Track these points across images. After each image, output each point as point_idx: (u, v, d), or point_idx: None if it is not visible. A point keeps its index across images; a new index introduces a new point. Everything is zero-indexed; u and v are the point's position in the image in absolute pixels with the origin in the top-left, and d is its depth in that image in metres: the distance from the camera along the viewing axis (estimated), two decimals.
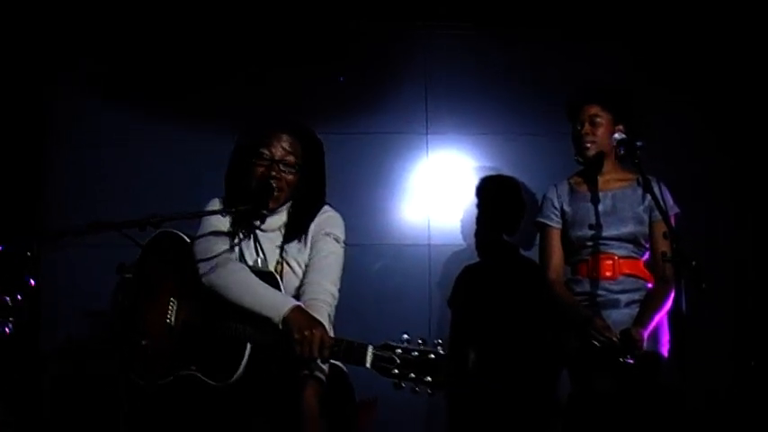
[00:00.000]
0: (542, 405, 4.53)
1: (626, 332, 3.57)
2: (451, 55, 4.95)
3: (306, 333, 2.80)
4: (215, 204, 3.23)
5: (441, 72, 4.92)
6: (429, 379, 2.63)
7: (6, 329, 3.50)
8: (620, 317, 3.69)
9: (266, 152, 3.14)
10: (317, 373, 2.98)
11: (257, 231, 3.19)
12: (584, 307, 3.74)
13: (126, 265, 3.64)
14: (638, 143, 3.49)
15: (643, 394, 3.59)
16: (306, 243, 3.19)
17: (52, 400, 4.53)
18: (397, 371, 2.65)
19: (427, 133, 4.91)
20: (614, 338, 3.55)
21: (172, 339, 3.10)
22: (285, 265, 3.16)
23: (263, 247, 3.18)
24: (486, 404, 4.54)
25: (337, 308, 3.14)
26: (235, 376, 2.91)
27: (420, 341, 2.68)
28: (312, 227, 3.20)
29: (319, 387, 2.96)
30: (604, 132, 3.74)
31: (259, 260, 3.16)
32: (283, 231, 3.20)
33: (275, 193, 3.12)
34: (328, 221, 3.21)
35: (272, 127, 3.19)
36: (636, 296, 3.74)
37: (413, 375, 2.63)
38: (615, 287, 3.74)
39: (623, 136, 3.59)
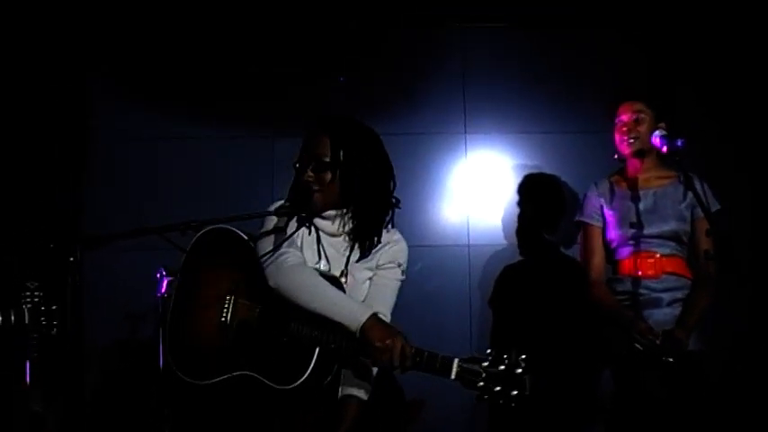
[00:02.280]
0: (585, 404, 4.50)
1: (669, 333, 3.54)
2: (489, 53, 4.93)
3: (387, 342, 2.79)
4: (278, 205, 3.14)
5: (478, 71, 4.91)
6: (515, 393, 2.70)
7: (51, 329, 3.57)
8: (662, 316, 3.66)
9: (302, 153, 3.11)
10: (360, 394, 3.00)
11: (322, 235, 3.13)
12: (625, 308, 3.72)
13: (168, 268, 3.69)
14: (680, 141, 3.45)
15: (689, 394, 3.56)
16: (373, 261, 3.14)
17: (94, 398, 4.59)
18: (482, 383, 2.70)
19: (466, 133, 4.89)
20: (657, 341, 3.53)
21: (226, 339, 3.04)
22: (350, 276, 3.10)
23: (327, 252, 3.14)
24: (529, 403, 4.52)
25: None
26: (300, 380, 2.87)
27: (505, 356, 2.72)
28: (385, 250, 3.15)
29: (358, 411, 3.00)
30: (647, 129, 3.71)
31: (321, 264, 3.12)
32: (349, 239, 3.14)
33: (316, 190, 3.06)
34: (401, 252, 3.17)
35: (311, 127, 3.14)
36: (678, 294, 3.71)
37: (498, 389, 2.69)
38: (657, 286, 3.71)
39: (665, 133, 3.55)
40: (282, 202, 3.15)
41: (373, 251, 3.13)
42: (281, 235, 3.06)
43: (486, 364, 2.71)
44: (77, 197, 4.73)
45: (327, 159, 3.06)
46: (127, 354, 4.59)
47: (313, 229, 3.13)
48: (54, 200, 4.60)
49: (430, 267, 4.77)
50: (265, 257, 3.01)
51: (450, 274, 4.81)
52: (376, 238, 3.13)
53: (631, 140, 3.75)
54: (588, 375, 4.48)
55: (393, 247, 3.16)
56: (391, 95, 4.90)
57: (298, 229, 3.08)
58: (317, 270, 3.06)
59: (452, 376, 2.74)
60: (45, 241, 2.80)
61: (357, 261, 3.12)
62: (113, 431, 4.59)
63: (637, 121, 3.76)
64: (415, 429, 3.75)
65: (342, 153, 3.07)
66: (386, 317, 3.06)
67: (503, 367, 2.70)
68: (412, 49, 4.94)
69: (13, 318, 3.63)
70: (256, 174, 4.69)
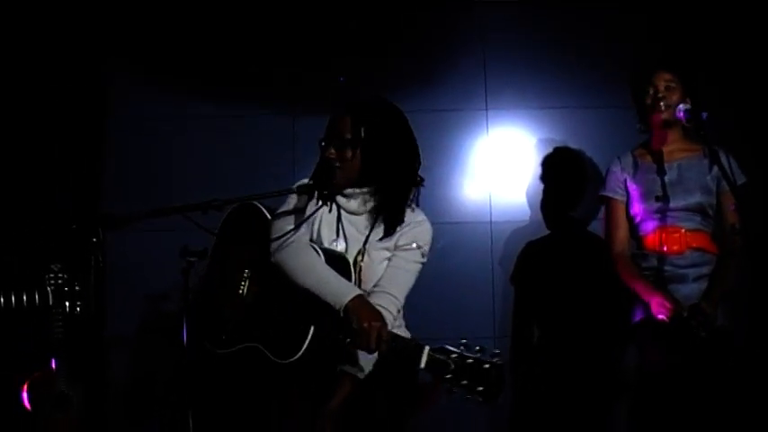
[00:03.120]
0: (608, 380, 4.49)
1: (696, 307, 3.52)
2: (509, 28, 4.89)
3: (365, 325, 2.81)
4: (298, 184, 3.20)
5: (499, 46, 4.86)
6: (481, 388, 2.63)
7: (75, 309, 3.60)
8: (688, 291, 3.64)
9: (327, 132, 3.13)
10: (354, 372, 3.01)
11: (343, 213, 3.15)
12: (650, 281, 3.69)
13: (189, 248, 3.70)
14: (704, 114, 3.42)
15: (715, 369, 3.53)
16: (392, 241, 3.14)
17: (117, 378, 4.62)
18: (450, 375, 2.65)
19: (487, 109, 4.85)
20: (684, 313, 3.50)
21: (242, 310, 3.13)
22: (367, 256, 3.11)
23: (347, 231, 3.15)
24: (553, 380, 4.52)
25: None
26: (296, 356, 2.91)
27: (477, 348, 2.68)
28: (406, 231, 3.14)
29: (350, 387, 3.01)
30: (677, 100, 3.65)
31: (339, 243, 3.14)
32: (372, 217, 3.15)
33: (336, 172, 3.07)
34: (423, 234, 3.17)
35: (334, 109, 3.18)
36: (704, 270, 3.68)
37: (465, 382, 2.64)
38: (682, 262, 3.67)
39: (689, 107, 3.51)
40: (306, 180, 3.17)
41: (395, 231, 3.13)
42: (299, 215, 3.13)
43: (455, 356, 2.66)
44: (98, 179, 4.74)
45: (348, 136, 3.08)
46: (149, 333, 4.62)
47: (334, 206, 3.14)
48: (75, 182, 4.61)
49: (452, 244, 4.75)
50: (274, 239, 3.06)
51: (472, 250, 4.78)
52: (400, 217, 3.13)
53: (663, 107, 3.70)
54: (612, 351, 4.46)
55: (415, 228, 3.16)
56: (411, 73, 4.87)
57: (319, 207, 3.11)
58: (325, 249, 3.10)
59: (422, 365, 2.72)
60: (67, 223, 2.80)
61: (379, 240, 3.12)
62: (137, 410, 4.63)
63: (668, 89, 3.71)
64: (431, 416, 3.73)
65: (363, 130, 3.08)
66: (397, 300, 3.08)
67: (471, 361, 2.65)
68: (432, 27, 4.90)
69: (37, 298, 3.66)
70: (277, 152, 4.69)
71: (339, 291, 2.93)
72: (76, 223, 2.82)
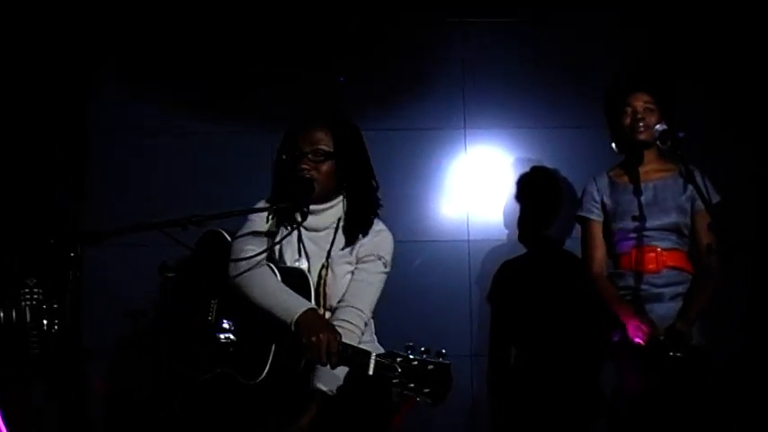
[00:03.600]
0: (586, 399, 4.50)
1: (672, 328, 3.53)
2: (489, 49, 4.91)
3: (313, 338, 2.80)
4: (260, 205, 3.20)
5: (477, 66, 4.88)
6: (427, 390, 2.63)
7: (52, 326, 3.57)
8: (664, 311, 3.65)
9: (296, 148, 3.12)
10: (326, 389, 2.98)
11: (303, 232, 3.16)
12: (628, 302, 3.71)
13: (168, 264, 3.69)
14: (681, 134, 3.44)
15: (691, 389, 3.55)
16: (353, 254, 3.16)
17: (94, 395, 4.59)
18: (397, 380, 2.65)
19: (465, 128, 4.88)
20: (660, 336, 3.52)
21: (211, 337, 3.12)
22: (330, 270, 3.12)
23: (308, 249, 3.16)
24: (530, 399, 4.53)
25: (377, 306, 3.15)
26: (262, 375, 2.92)
27: (423, 349, 2.67)
28: (365, 242, 3.16)
29: (321, 405, 2.98)
30: (655, 122, 3.67)
31: (302, 262, 3.15)
32: (334, 233, 3.16)
33: (313, 186, 3.08)
34: (383, 243, 3.18)
35: (302, 122, 3.18)
36: (680, 289, 3.69)
37: (412, 386, 2.64)
38: (658, 281, 3.69)
39: (665, 127, 3.54)
40: (264, 202, 3.20)
41: (356, 241, 3.15)
42: (259, 236, 3.14)
43: (400, 359, 2.66)
44: (77, 194, 4.72)
45: (326, 149, 3.10)
46: (127, 350, 4.59)
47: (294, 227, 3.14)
48: (54, 196, 4.59)
49: (429, 263, 4.77)
50: (233, 262, 3.06)
51: (449, 269, 4.80)
52: (367, 228, 3.16)
53: (642, 129, 3.72)
54: (590, 371, 4.48)
55: (375, 238, 3.18)
56: (390, 91, 4.90)
57: (297, 226, 3.11)
58: (283, 267, 3.11)
59: (370, 371, 2.71)
60: (45, 237, 2.78)
61: (341, 249, 3.14)
62: (114, 428, 4.60)
63: (646, 111, 3.74)
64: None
65: (340, 142, 3.13)
66: (363, 314, 3.08)
67: (416, 363, 2.64)
68: (411, 45, 4.92)
69: (14, 315, 3.63)
70: (257, 169, 4.68)
71: (289, 306, 2.92)
72: (54, 238, 2.81)
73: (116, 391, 4.64)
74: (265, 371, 2.92)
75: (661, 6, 4.82)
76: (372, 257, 3.14)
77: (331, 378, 2.99)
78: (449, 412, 4.39)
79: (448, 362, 2.66)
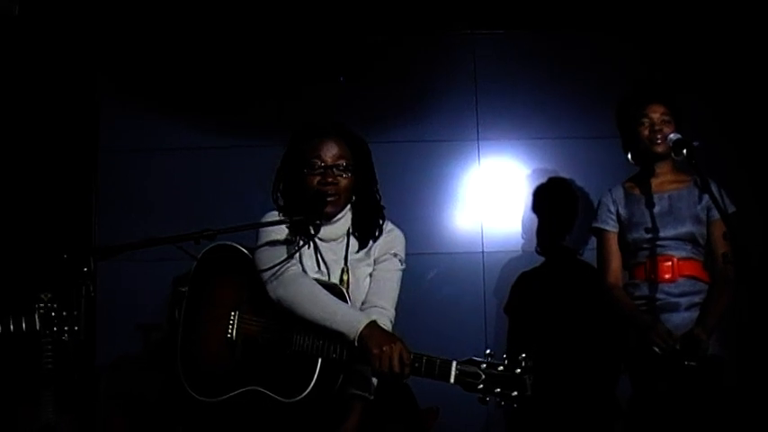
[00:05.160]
0: (603, 409, 4.48)
1: (689, 334, 3.52)
2: (500, 59, 4.93)
3: (385, 348, 2.78)
4: (273, 217, 3.16)
5: (490, 77, 4.90)
6: (515, 393, 2.69)
7: (63, 337, 3.57)
8: (680, 320, 3.63)
9: (318, 161, 3.10)
10: (364, 393, 3.00)
11: (319, 242, 3.14)
12: (643, 312, 3.69)
13: (181, 278, 3.68)
14: (696, 143, 3.43)
15: (706, 397, 3.53)
16: (370, 256, 3.16)
17: (106, 410, 4.58)
18: (482, 386, 2.70)
19: (479, 139, 4.88)
20: (676, 345, 3.50)
21: (233, 355, 3.07)
22: (350, 275, 3.11)
23: (326, 258, 3.14)
24: (547, 408, 4.50)
25: (395, 319, 3.14)
26: (305, 392, 2.88)
27: (504, 356, 2.73)
28: (380, 242, 3.17)
29: (362, 409, 3.00)
30: (669, 133, 3.66)
31: (322, 272, 3.13)
32: (347, 239, 3.17)
33: (331, 199, 3.08)
34: (396, 241, 3.20)
35: (319, 134, 3.15)
36: (696, 299, 3.67)
37: (498, 390, 2.69)
38: (674, 290, 3.67)
39: (679, 136, 3.53)
40: (276, 212, 3.17)
41: (369, 244, 3.16)
42: (281, 247, 3.08)
43: (484, 366, 2.71)
44: (90, 208, 4.74)
45: (344, 163, 3.11)
46: (139, 365, 4.58)
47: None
48: (67, 211, 4.60)
49: (444, 275, 4.77)
50: (266, 271, 3.02)
51: (464, 281, 4.80)
52: (378, 233, 3.17)
53: (659, 140, 3.70)
54: (606, 380, 4.45)
55: (386, 237, 3.19)
56: (403, 103, 4.91)
57: (312, 238, 3.09)
58: (318, 280, 3.06)
59: (452, 380, 2.73)
60: (58, 252, 2.78)
61: (356, 252, 3.15)
62: None
63: (662, 122, 3.73)
64: None
65: (358, 155, 3.15)
66: (388, 311, 3.09)
67: (501, 368, 2.70)
68: (423, 57, 4.94)
69: (24, 324, 3.63)
70: (263, 182, 4.69)
71: (351, 320, 2.88)
72: (67, 253, 2.81)
73: (128, 406, 4.62)
74: (310, 386, 2.88)
75: (676, 16, 4.80)
76: (388, 256, 3.16)
77: (368, 384, 3.01)
78: (466, 423, 4.42)
79: (532, 363, 2.72)
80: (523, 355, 2.72)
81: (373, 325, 2.87)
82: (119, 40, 4.84)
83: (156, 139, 4.86)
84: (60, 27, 4.70)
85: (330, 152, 3.11)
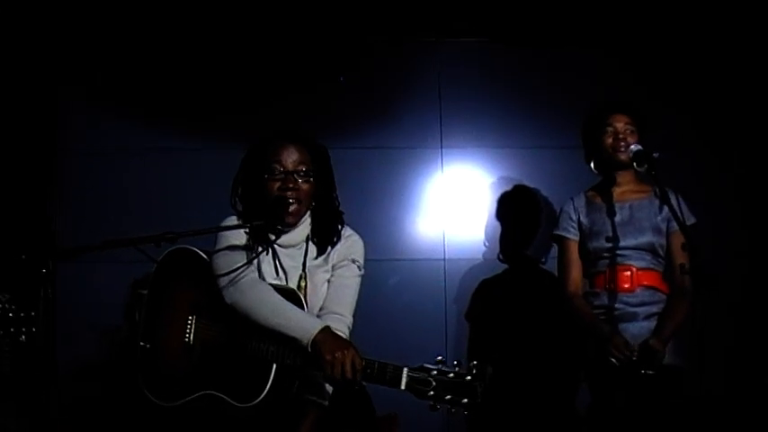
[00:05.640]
0: (562, 417, 4.50)
1: (645, 344, 3.55)
2: (466, 68, 4.95)
3: (337, 354, 2.78)
4: (231, 222, 3.17)
5: (455, 85, 4.92)
6: (466, 401, 2.69)
7: (21, 338, 3.52)
8: (637, 330, 3.66)
9: (278, 166, 3.10)
10: (319, 399, 3.01)
11: (278, 248, 3.14)
12: (602, 322, 3.71)
13: (141, 280, 3.65)
14: (656, 154, 3.47)
15: (665, 407, 3.56)
16: (329, 262, 3.17)
17: (65, 414, 4.53)
18: (432, 393, 2.69)
19: (442, 147, 4.89)
20: (633, 357, 3.53)
21: (190, 359, 3.07)
22: (308, 281, 3.12)
23: (284, 264, 3.14)
24: (507, 417, 4.52)
25: (352, 325, 3.13)
26: (260, 397, 2.88)
27: (456, 363, 2.74)
28: (338, 248, 3.18)
29: (317, 415, 3.01)
30: (633, 143, 3.69)
31: (280, 278, 3.13)
32: (306, 246, 3.17)
33: (293, 207, 3.08)
34: (354, 247, 3.20)
35: (280, 140, 3.15)
36: (654, 309, 3.71)
37: (449, 397, 2.68)
38: (633, 300, 3.70)
39: (640, 147, 3.56)
40: (235, 218, 3.18)
41: (328, 250, 3.17)
42: (239, 253, 3.08)
43: (435, 372, 2.71)
44: (50, 209, 4.68)
45: (311, 169, 3.12)
46: (100, 368, 4.54)
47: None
48: (26, 212, 4.55)
49: (406, 281, 4.78)
50: (223, 276, 3.01)
51: (425, 288, 4.81)
52: (336, 238, 3.18)
53: (623, 148, 3.73)
54: (566, 389, 4.48)
55: (345, 243, 3.20)
56: (368, 110, 4.91)
57: (272, 243, 3.11)
58: (275, 285, 3.06)
59: (402, 386, 2.74)
60: (17, 253, 2.75)
61: (315, 258, 3.15)
62: None
63: (628, 132, 3.76)
64: None
65: (318, 161, 3.16)
66: (346, 318, 3.09)
67: (452, 375, 2.71)
68: (388, 64, 4.94)
69: None
70: (226, 186, 4.68)
71: (305, 325, 2.89)
72: (26, 254, 2.78)
73: (87, 408, 4.58)
74: (265, 391, 2.88)
75: (640, 29, 4.85)
76: (346, 262, 3.16)
77: (321, 389, 3.01)
78: (425, 428, 4.42)
79: (483, 370, 2.72)
80: (474, 362, 2.72)
81: (326, 330, 2.87)
82: (80, 39, 4.78)
83: (121, 140, 4.81)
84: (18, 27, 4.65)
85: (291, 158, 3.11)
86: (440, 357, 2.74)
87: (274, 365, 2.90)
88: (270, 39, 4.84)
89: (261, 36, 4.84)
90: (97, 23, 4.78)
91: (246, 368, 2.94)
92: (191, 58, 4.84)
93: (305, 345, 2.84)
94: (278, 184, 3.10)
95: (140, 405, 3.16)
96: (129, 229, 3.08)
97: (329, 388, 3.04)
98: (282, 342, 2.89)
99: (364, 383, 2.95)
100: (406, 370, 2.73)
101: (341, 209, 3.25)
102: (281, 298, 2.97)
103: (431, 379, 2.70)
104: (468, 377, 2.69)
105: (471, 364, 2.72)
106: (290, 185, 3.08)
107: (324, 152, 3.21)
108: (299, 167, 3.10)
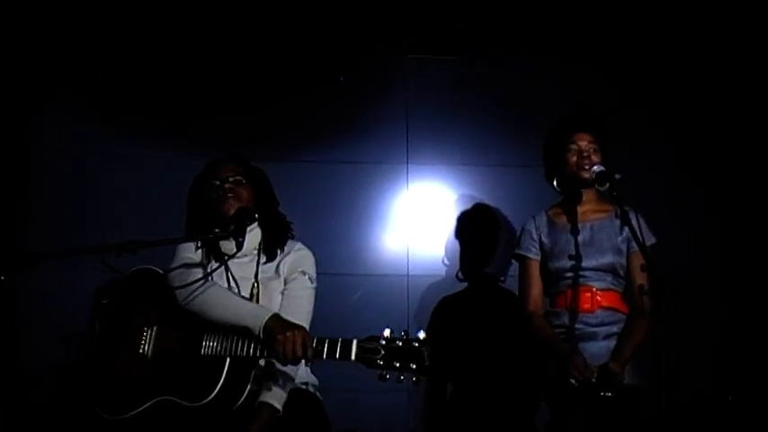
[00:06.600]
0: None
1: (604, 367, 3.56)
2: (433, 85, 4.98)
3: (288, 334, 2.85)
4: (189, 245, 3.30)
5: (422, 102, 4.95)
6: (414, 366, 2.77)
7: None
8: (597, 350, 3.67)
9: (214, 180, 3.29)
10: (273, 402, 3.06)
11: (228, 262, 3.21)
12: (562, 341, 3.72)
13: (103, 289, 3.63)
14: (617, 175, 3.48)
15: (623, 427, 3.57)
16: (280, 275, 3.26)
17: (30, 424, 4.48)
18: (382, 361, 2.77)
19: (407, 163, 4.92)
20: (592, 378, 3.54)
21: (144, 369, 3.10)
22: (261, 288, 3.20)
23: (236, 275, 3.23)
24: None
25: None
26: (213, 394, 2.92)
27: (403, 332, 2.83)
28: (288, 260, 3.29)
29: (269, 418, 3.05)
30: (597, 161, 3.72)
31: (232, 289, 3.19)
32: (257, 256, 3.27)
33: (229, 197, 3.24)
34: (304, 260, 3.31)
35: (216, 160, 3.38)
36: (614, 329, 3.73)
37: (398, 364, 2.76)
38: (593, 320, 3.71)
39: (602, 168, 3.58)
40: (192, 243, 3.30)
41: (277, 261, 3.28)
42: (194, 270, 3.18)
43: (383, 341, 2.80)
44: (12, 215, 4.63)
45: (240, 177, 3.31)
46: (61, 377, 4.49)
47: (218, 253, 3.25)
48: None
49: (368, 296, 4.78)
50: (179, 289, 3.09)
51: (388, 303, 4.81)
52: (282, 244, 3.31)
53: (587, 166, 3.74)
54: (525, 407, 4.49)
55: (295, 255, 3.31)
56: (333, 124, 4.91)
57: (234, 254, 3.17)
58: None
59: (353, 357, 2.81)
60: None
61: (265, 264, 3.25)
62: None
63: (591, 150, 3.78)
64: None
65: (253, 176, 3.35)
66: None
67: (400, 343, 2.79)
68: (356, 79, 4.95)
69: None
70: None
71: (256, 314, 2.97)
72: None
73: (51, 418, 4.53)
74: (216, 390, 2.92)
75: (604, 46, 4.91)
76: (296, 274, 3.27)
77: (278, 395, 3.07)
78: None
79: (429, 339, 2.81)
80: (422, 332, 2.82)
81: (276, 317, 2.97)
82: (57, 44, 4.74)
83: (87, 148, 4.78)
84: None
85: (224, 171, 3.30)
86: (388, 329, 2.83)
87: (228, 360, 2.95)
88: (242, 50, 4.85)
89: (234, 46, 4.85)
90: (75, 25, 4.75)
91: (200, 369, 2.99)
92: (163, 69, 4.83)
93: (257, 333, 2.92)
94: (216, 193, 3.27)
95: (92, 419, 3.17)
96: (99, 237, 3.08)
97: (285, 395, 3.09)
98: (236, 334, 2.96)
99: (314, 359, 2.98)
100: (355, 341, 2.82)
101: (288, 220, 3.39)
102: (232, 293, 3.11)
103: (380, 347, 2.78)
104: (416, 343, 2.78)
105: (419, 333, 2.82)
106: (226, 186, 3.26)
107: (260, 172, 3.41)
108: (235, 176, 3.29)
